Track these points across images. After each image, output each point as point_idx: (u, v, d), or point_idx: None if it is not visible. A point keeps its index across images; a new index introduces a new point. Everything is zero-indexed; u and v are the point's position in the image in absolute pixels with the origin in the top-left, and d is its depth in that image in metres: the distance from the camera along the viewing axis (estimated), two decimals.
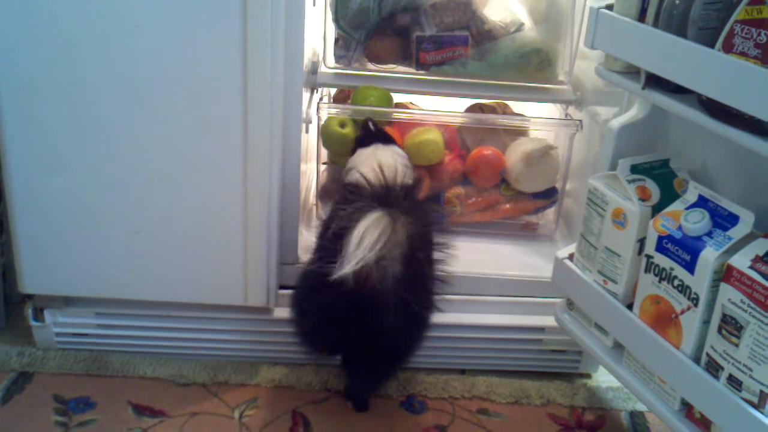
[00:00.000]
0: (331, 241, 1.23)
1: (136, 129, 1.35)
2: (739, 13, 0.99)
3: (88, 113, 1.34)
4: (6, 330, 1.60)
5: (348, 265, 1.16)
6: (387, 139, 1.52)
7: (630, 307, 1.22)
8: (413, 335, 1.34)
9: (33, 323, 1.51)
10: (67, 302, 1.52)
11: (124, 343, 1.55)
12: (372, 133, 1.52)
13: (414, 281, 1.24)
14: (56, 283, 1.48)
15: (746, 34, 0.99)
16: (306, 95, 1.53)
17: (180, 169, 1.38)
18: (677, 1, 1.08)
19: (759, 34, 0.98)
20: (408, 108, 1.68)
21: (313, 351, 1.39)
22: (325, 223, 1.35)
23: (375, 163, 1.39)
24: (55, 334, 1.53)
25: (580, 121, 1.57)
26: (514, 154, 1.64)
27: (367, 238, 1.17)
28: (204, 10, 1.27)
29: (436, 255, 1.31)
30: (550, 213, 1.70)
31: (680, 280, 1.11)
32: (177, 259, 1.45)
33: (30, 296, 1.50)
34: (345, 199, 1.29)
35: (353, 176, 1.38)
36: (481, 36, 1.57)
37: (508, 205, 1.67)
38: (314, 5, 1.54)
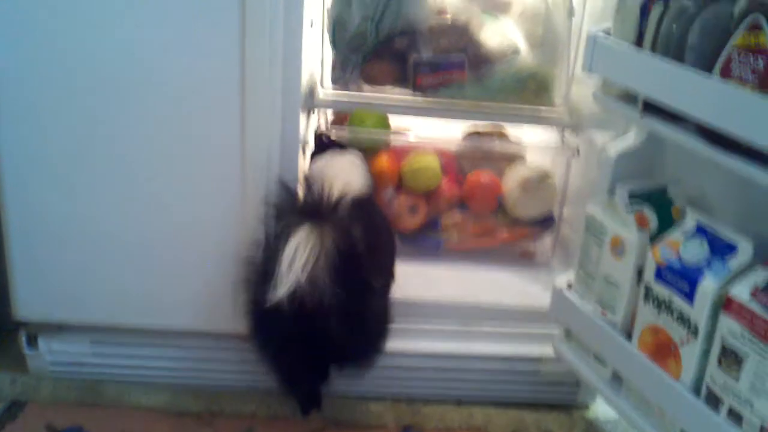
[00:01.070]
0: (265, 263, 1.25)
1: (133, 155, 1.35)
2: (737, 38, 0.98)
3: (84, 140, 1.33)
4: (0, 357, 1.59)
5: (281, 288, 1.18)
6: (342, 146, 1.53)
7: (629, 337, 1.20)
8: (362, 337, 1.34)
9: (26, 351, 1.50)
10: (61, 329, 1.50)
11: (118, 372, 1.53)
12: (326, 143, 1.53)
13: (350, 285, 1.23)
14: (50, 310, 1.47)
15: (743, 59, 0.98)
16: (303, 117, 1.52)
17: (176, 195, 1.38)
18: (674, 27, 1.07)
19: (756, 60, 0.96)
20: (404, 133, 1.67)
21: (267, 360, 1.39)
22: (262, 244, 1.34)
23: (330, 170, 1.40)
24: (49, 362, 1.51)
25: (577, 147, 1.56)
26: (511, 180, 1.63)
27: (297, 258, 1.17)
28: (202, 32, 1.27)
29: (378, 256, 1.33)
30: (548, 240, 1.69)
31: (679, 311, 1.09)
32: (172, 286, 1.44)
33: (24, 323, 1.49)
34: (275, 215, 1.30)
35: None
36: (477, 60, 1.56)
37: (504, 232, 1.66)
38: (311, 26, 1.54)
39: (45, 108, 1.32)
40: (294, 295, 1.19)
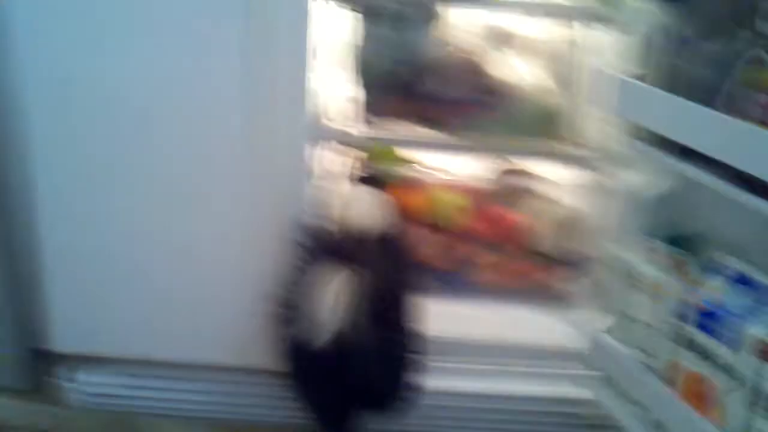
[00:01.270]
0: (297, 303, 1.25)
1: (162, 197, 1.38)
2: (741, 74, 0.98)
3: (117, 179, 1.37)
4: (37, 389, 1.59)
5: (323, 334, 1.19)
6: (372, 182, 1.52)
7: (671, 384, 1.17)
8: (394, 376, 1.35)
9: (64, 383, 1.51)
10: (97, 362, 1.52)
11: (152, 405, 1.54)
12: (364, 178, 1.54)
13: (383, 328, 1.25)
14: (87, 344, 1.49)
15: (744, 95, 0.98)
16: (312, 150, 1.52)
17: (203, 232, 1.40)
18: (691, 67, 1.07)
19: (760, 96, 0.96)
20: (423, 168, 1.67)
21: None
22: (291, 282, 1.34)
23: (354, 207, 1.40)
24: (86, 394, 1.53)
25: (609, 186, 1.54)
26: (542, 219, 1.62)
27: (332, 303, 1.19)
28: (209, 62, 1.30)
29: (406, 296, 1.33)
30: (579, 278, 1.66)
31: (723, 359, 1.07)
32: (204, 321, 1.45)
33: (62, 356, 1.51)
34: (306, 255, 1.31)
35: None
36: (501, 98, 1.56)
37: (535, 270, 1.64)
38: (326, 62, 1.54)
39: (78, 147, 1.35)
40: (330, 338, 1.19)
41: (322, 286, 1.20)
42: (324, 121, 1.59)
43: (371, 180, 1.55)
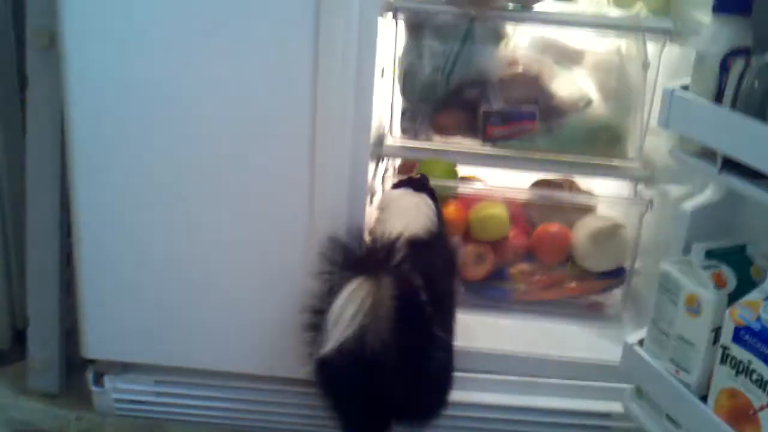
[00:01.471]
0: (320, 315, 1.23)
1: (203, 200, 1.37)
2: None
3: (156, 184, 1.36)
4: (67, 394, 1.61)
5: (329, 344, 1.16)
6: (420, 187, 1.49)
7: (704, 399, 1.16)
8: (425, 389, 1.31)
9: (93, 388, 1.52)
10: (126, 368, 1.52)
11: (181, 412, 1.54)
12: (408, 180, 1.51)
13: (411, 336, 1.22)
14: (117, 349, 1.49)
15: None
16: (371, 166, 1.52)
17: (244, 241, 1.39)
18: (756, 84, 1.05)
19: None
20: (473, 182, 1.66)
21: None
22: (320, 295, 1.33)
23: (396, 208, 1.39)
24: (114, 399, 1.53)
25: (651, 200, 1.53)
26: (581, 231, 1.61)
27: (346, 312, 1.15)
28: (275, 80, 1.29)
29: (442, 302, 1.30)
30: (618, 293, 1.66)
31: (759, 374, 1.05)
32: (237, 329, 1.45)
33: (91, 361, 1.51)
34: (330, 268, 1.28)
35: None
36: (549, 111, 1.55)
37: (573, 284, 1.63)
38: (382, 77, 1.55)
39: (113, 156, 1.35)
40: (349, 348, 1.17)
41: (339, 300, 1.18)
42: (386, 137, 1.60)
43: (413, 184, 1.52)
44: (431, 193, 1.48)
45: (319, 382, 1.31)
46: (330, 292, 1.22)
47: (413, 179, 1.52)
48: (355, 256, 1.28)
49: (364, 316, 1.16)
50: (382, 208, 1.45)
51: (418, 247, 1.31)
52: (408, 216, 1.39)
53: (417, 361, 1.25)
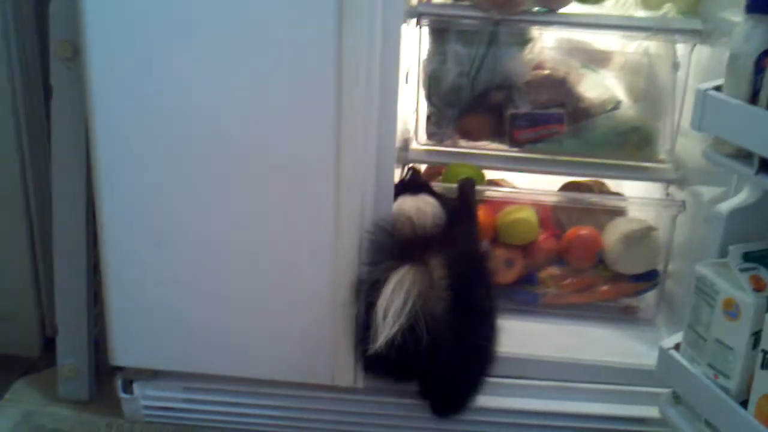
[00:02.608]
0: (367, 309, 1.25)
1: (230, 207, 1.37)
2: None
3: (181, 192, 1.36)
4: (96, 400, 1.61)
5: (380, 338, 1.17)
6: (416, 187, 1.50)
7: (744, 404, 1.14)
8: (472, 360, 1.34)
9: (122, 395, 1.52)
10: (155, 375, 1.52)
11: (210, 418, 1.53)
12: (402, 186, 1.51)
13: (458, 314, 1.24)
14: (146, 357, 1.49)
15: None
16: (397, 171, 1.52)
17: (271, 247, 1.39)
18: None
19: None
20: (501, 185, 1.65)
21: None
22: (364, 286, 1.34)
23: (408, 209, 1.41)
24: (143, 406, 1.53)
25: (683, 201, 1.52)
26: (613, 234, 1.59)
27: (395, 303, 1.17)
28: (298, 87, 1.29)
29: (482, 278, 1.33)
30: (651, 296, 1.64)
31: None
32: (265, 336, 1.44)
33: (120, 368, 1.51)
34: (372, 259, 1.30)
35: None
36: (576, 113, 1.54)
37: (605, 287, 1.62)
38: (407, 82, 1.54)
39: (138, 164, 1.35)
40: (401, 340, 1.18)
41: (385, 292, 1.19)
42: (412, 142, 1.60)
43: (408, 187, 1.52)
44: (427, 187, 1.49)
45: (372, 376, 1.34)
46: (374, 286, 1.23)
47: (405, 183, 1.53)
48: (398, 245, 1.29)
49: (413, 304, 1.17)
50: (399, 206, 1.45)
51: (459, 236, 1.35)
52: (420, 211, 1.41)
53: (473, 339, 1.27)
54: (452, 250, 1.27)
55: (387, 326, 1.17)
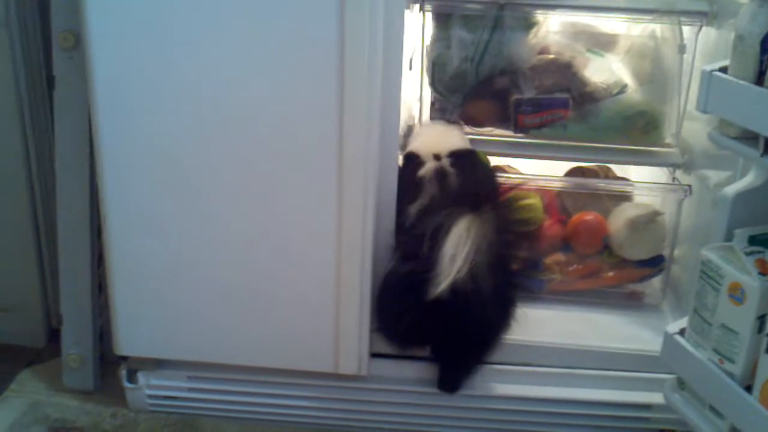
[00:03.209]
0: (417, 244, 1.27)
1: (233, 195, 1.36)
2: None
3: (184, 181, 1.36)
4: (101, 390, 1.61)
5: (444, 281, 1.21)
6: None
7: (749, 389, 1.13)
8: (501, 323, 1.38)
9: (126, 385, 1.52)
10: (159, 365, 1.52)
11: (214, 407, 1.53)
12: None
13: (498, 272, 1.29)
14: (150, 346, 1.49)
15: None
16: (401, 158, 1.51)
17: (274, 236, 1.38)
18: None
19: None
20: (506, 171, 1.64)
21: (403, 348, 1.44)
22: (410, 224, 1.37)
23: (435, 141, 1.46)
24: (147, 396, 1.53)
25: (689, 186, 1.50)
26: (618, 219, 1.58)
27: (460, 249, 1.21)
28: (301, 73, 1.28)
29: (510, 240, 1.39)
30: (657, 281, 1.62)
31: None
32: (269, 324, 1.44)
33: (124, 358, 1.52)
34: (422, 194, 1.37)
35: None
36: (582, 98, 1.52)
37: (611, 273, 1.60)
38: (410, 69, 1.53)
39: (141, 154, 1.34)
40: (456, 286, 1.22)
41: (452, 238, 1.23)
42: (416, 128, 1.59)
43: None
44: None
45: (427, 322, 1.33)
46: (435, 233, 1.25)
47: None
48: (458, 195, 1.34)
49: (474, 252, 1.22)
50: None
51: (461, 158, 1.41)
52: (439, 136, 1.49)
53: (506, 294, 1.33)
54: (501, 205, 1.35)
55: (454, 271, 1.21)
